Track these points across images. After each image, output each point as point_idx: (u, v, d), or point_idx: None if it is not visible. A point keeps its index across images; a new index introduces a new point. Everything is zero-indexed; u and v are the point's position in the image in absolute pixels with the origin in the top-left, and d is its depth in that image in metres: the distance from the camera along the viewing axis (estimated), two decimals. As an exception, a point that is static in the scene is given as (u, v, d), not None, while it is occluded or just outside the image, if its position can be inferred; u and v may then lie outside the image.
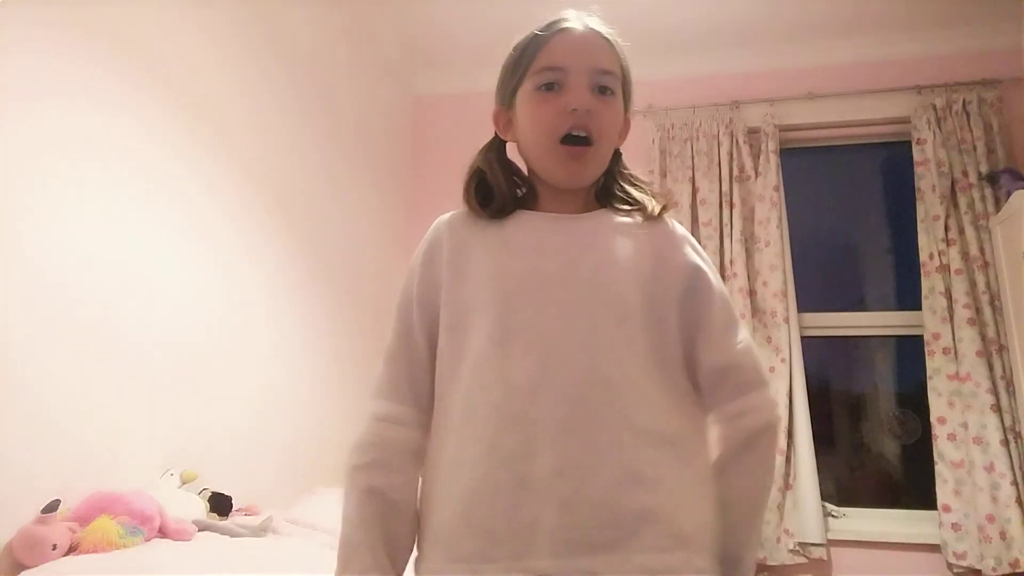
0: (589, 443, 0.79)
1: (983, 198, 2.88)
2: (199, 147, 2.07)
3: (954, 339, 2.79)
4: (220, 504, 1.87)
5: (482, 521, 0.79)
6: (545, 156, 0.91)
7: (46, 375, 1.53)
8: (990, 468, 2.62)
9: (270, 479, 2.30)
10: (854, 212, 3.40)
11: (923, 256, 2.92)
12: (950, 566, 2.64)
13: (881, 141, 3.28)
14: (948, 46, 3.14)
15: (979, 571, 2.58)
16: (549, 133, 0.89)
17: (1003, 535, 2.56)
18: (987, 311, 2.76)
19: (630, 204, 0.94)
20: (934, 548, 2.69)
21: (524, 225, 0.92)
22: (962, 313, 2.78)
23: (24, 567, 1.32)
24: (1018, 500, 2.57)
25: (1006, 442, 2.62)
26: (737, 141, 3.18)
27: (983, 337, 2.74)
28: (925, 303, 2.88)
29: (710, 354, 0.88)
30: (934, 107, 3.02)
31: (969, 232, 2.85)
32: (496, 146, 0.99)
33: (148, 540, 1.51)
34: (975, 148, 2.93)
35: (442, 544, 0.82)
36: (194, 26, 2.08)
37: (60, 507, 1.42)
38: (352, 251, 3.00)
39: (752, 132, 3.21)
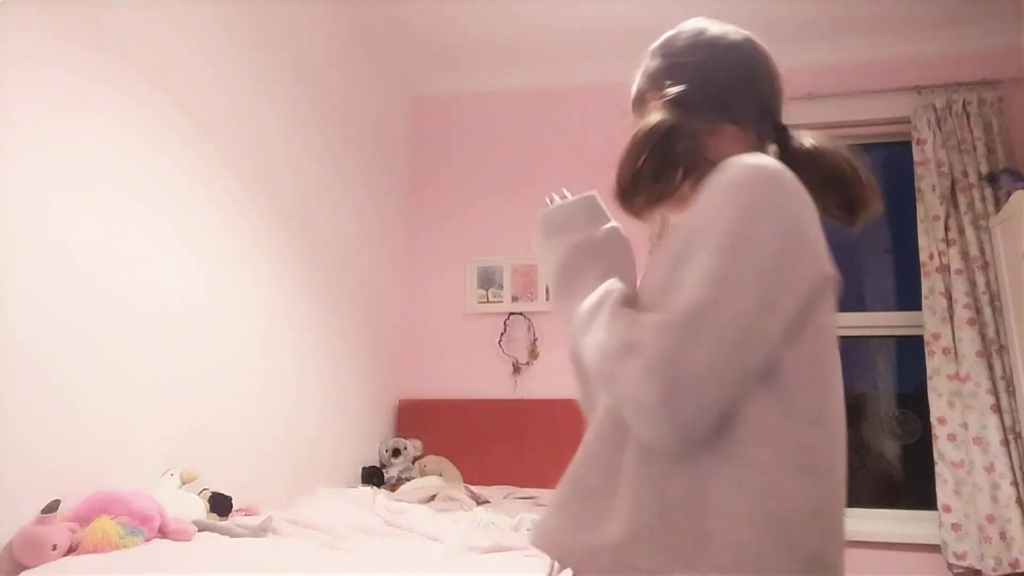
0: None
1: (983, 198, 2.87)
2: (198, 150, 2.07)
3: (954, 339, 2.79)
4: (220, 504, 1.87)
5: None
6: None
7: (46, 376, 1.53)
8: (990, 468, 2.62)
9: (270, 479, 2.30)
10: (854, 212, 3.40)
11: (923, 256, 2.92)
12: (950, 566, 2.65)
13: (881, 141, 3.28)
14: (948, 46, 3.14)
15: (979, 571, 2.58)
16: None
17: (1003, 535, 2.56)
18: (987, 311, 2.76)
19: None
20: (934, 548, 2.69)
21: None
22: (962, 313, 2.78)
23: (24, 567, 1.32)
24: (1018, 500, 2.57)
25: (1006, 442, 2.63)
26: (737, 141, 3.17)
27: (983, 337, 2.74)
28: (925, 303, 2.88)
29: None
30: (934, 107, 3.02)
31: (969, 232, 2.85)
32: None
33: (148, 540, 1.51)
34: (975, 148, 2.93)
35: None
36: (191, 23, 2.08)
37: (60, 507, 1.42)
38: (352, 253, 3.00)
39: (752, 132, 3.21)
